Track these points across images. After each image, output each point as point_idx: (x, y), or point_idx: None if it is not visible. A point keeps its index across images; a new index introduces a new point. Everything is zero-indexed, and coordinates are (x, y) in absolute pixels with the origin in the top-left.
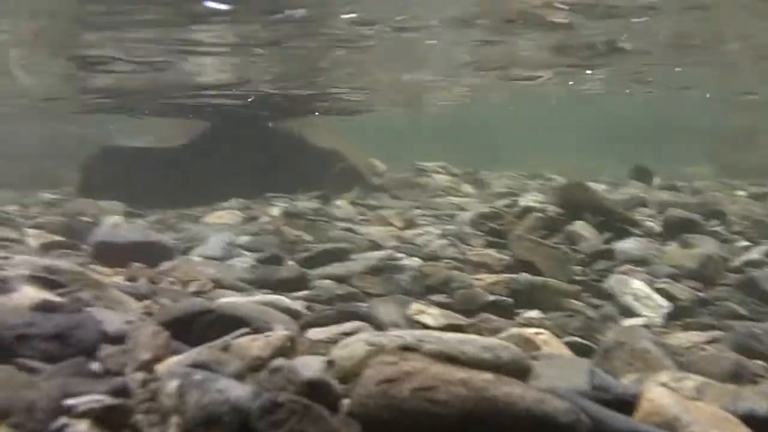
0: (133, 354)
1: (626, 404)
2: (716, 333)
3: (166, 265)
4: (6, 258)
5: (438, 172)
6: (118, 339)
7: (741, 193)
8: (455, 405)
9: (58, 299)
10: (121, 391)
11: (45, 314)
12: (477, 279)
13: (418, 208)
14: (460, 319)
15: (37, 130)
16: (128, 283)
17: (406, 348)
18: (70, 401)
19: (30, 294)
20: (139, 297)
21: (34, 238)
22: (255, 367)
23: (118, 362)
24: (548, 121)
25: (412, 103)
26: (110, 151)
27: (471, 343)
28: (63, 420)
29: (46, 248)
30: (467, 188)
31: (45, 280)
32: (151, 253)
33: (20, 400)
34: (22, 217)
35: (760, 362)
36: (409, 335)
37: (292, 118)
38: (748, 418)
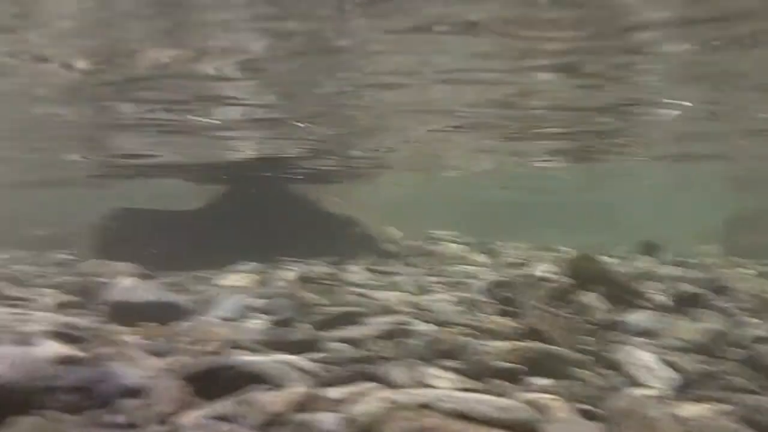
0: (156, 407)
1: None
2: (724, 406)
3: (182, 325)
4: (26, 314)
5: (451, 241)
6: (138, 392)
7: (749, 271)
8: None
9: (79, 354)
10: None
11: (68, 367)
12: (489, 346)
13: (431, 275)
14: (472, 384)
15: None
16: (146, 341)
17: (425, 406)
18: None
19: (53, 348)
20: (158, 354)
21: (50, 297)
22: (275, 420)
23: (141, 415)
24: (561, 196)
25: (431, 169)
26: (124, 212)
27: (487, 403)
28: None
29: (63, 307)
30: (480, 257)
31: (66, 335)
32: (166, 313)
33: None
34: (39, 277)
35: None
36: (427, 393)
37: (313, 185)
38: None
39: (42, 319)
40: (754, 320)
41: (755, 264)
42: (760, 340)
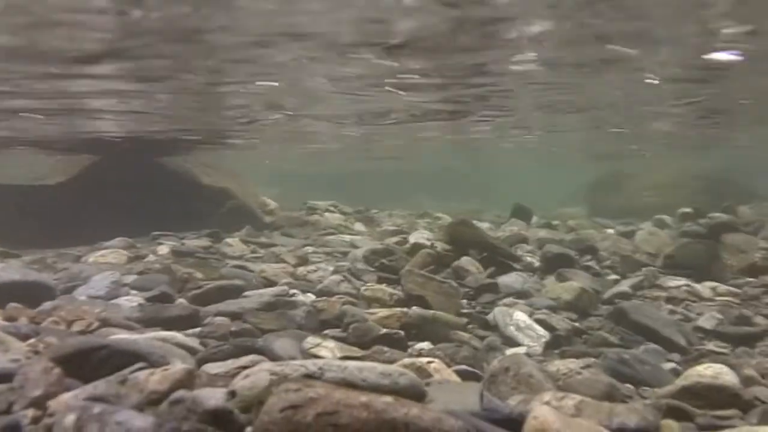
0: (23, 391)
1: (514, 422)
2: (591, 360)
3: (47, 305)
4: None
5: (329, 211)
6: (10, 376)
7: (610, 231)
8: (358, 427)
9: None
10: (12, 428)
11: None
12: (370, 313)
13: (310, 245)
14: (355, 352)
15: None
16: (7, 323)
17: (309, 376)
18: None
19: None
20: (22, 337)
21: None
22: (155, 399)
23: (7, 400)
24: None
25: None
26: None
27: (370, 370)
28: None
29: None
30: (358, 226)
31: None
32: (30, 293)
33: None
34: None
35: (628, 385)
36: (311, 364)
37: (180, 155)
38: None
39: None
40: (616, 277)
41: (615, 224)
42: (621, 295)
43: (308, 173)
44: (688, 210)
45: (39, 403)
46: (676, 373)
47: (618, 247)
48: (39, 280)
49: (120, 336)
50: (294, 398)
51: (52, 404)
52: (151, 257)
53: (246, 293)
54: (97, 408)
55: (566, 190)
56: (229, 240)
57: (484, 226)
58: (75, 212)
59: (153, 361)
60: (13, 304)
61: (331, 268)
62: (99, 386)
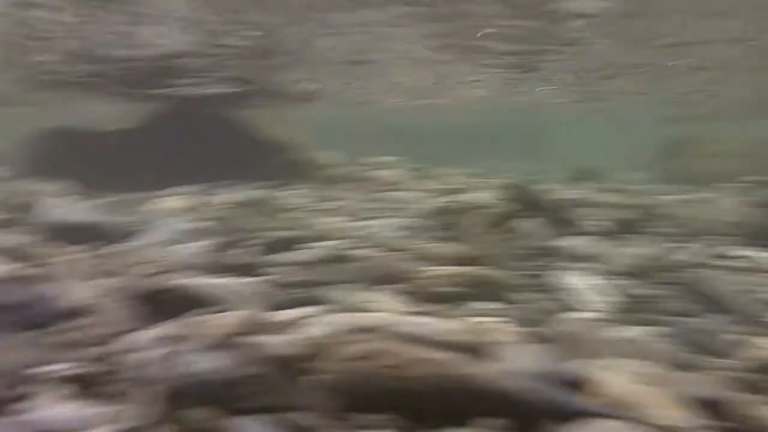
0: (98, 328)
1: (574, 385)
2: (653, 328)
3: (119, 247)
4: None
5: (390, 167)
6: (80, 313)
7: (680, 197)
8: (423, 381)
9: (18, 272)
10: (93, 361)
11: (7, 286)
12: (430, 271)
13: (370, 201)
14: (413, 308)
15: None
16: (85, 262)
17: (375, 329)
18: (41, 369)
19: None
20: (97, 275)
21: None
22: (220, 343)
23: (86, 334)
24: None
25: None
26: (59, 130)
27: (435, 326)
28: (35, 386)
29: None
30: (419, 183)
31: (2, 252)
32: (102, 235)
33: None
34: None
35: (692, 354)
36: (373, 317)
37: (244, 106)
38: (687, 399)
39: None
40: (687, 245)
41: (684, 190)
42: (686, 263)
43: (370, 128)
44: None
45: (112, 339)
46: (742, 345)
47: (690, 215)
48: (110, 223)
49: (185, 280)
50: (360, 350)
51: (126, 340)
52: (217, 206)
53: (304, 245)
54: (167, 348)
55: (633, 153)
56: (288, 192)
57: (548, 188)
58: (144, 158)
59: (218, 306)
60: (87, 245)
61: (391, 225)
62: (168, 327)
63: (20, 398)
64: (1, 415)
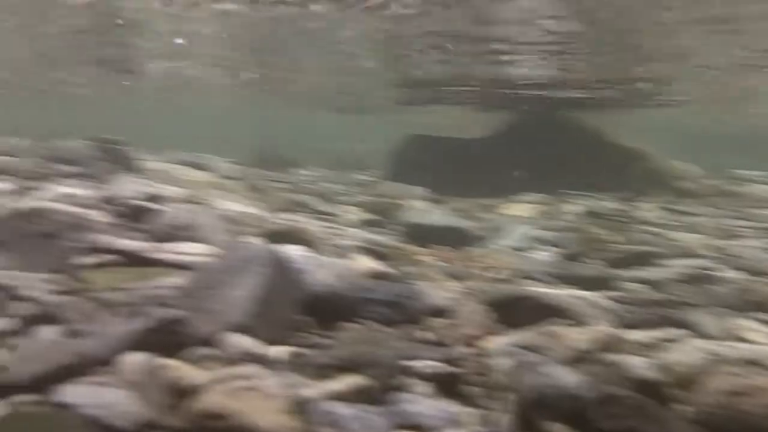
0: (460, 328)
1: None
2: None
3: (472, 251)
4: (339, 229)
5: (761, 182)
6: (443, 312)
7: None
8: None
9: (387, 270)
10: (454, 361)
11: (380, 282)
12: None
13: (737, 218)
14: None
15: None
16: (442, 264)
17: (752, 362)
18: (411, 363)
19: (366, 263)
20: (455, 277)
21: (354, 214)
22: (576, 356)
23: (447, 334)
24: None
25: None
26: (417, 139)
27: None
28: (405, 379)
29: (366, 224)
30: None
31: (372, 251)
32: (456, 238)
33: (371, 356)
34: (341, 195)
35: None
36: (747, 348)
37: (592, 113)
38: None
39: (352, 235)
40: None
41: None
42: None
43: (721, 135)
44: None
45: (470, 341)
46: None
47: None
48: (464, 227)
49: (535, 289)
50: (735, 384)
51: (483, 344)
52: (566, 215)
53: (664, 262)
54: (529, 356)
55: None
56: (644, 204)
57: None
58: (494, 165)
59: (572, 318)
60: (443, 247)
61: (764, 246)
62: (527, 336)
63: (396, 389)
64: (378, 403)
